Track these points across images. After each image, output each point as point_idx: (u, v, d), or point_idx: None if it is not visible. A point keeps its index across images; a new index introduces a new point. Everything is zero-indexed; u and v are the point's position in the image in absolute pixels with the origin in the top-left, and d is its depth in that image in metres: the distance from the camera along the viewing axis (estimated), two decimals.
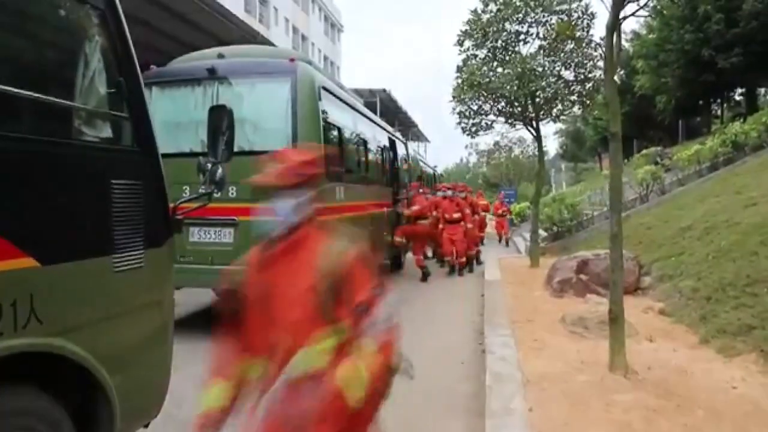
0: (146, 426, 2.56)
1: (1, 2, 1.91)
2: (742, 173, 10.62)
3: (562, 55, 10.25)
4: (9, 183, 1.81)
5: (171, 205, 2.68)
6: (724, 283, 5.68)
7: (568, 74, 10.39)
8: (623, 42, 5.28)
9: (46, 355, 1.92)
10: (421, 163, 18.00)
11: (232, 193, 5.51)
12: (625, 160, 17.25)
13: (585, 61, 10.18)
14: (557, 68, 10.38)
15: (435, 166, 24.45)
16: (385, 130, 10.78)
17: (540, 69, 10.19)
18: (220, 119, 2.90)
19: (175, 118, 5.92)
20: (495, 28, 10.30)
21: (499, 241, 17.39)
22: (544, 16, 10.22)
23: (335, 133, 6.83)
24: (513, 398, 3.68)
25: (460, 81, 10.79)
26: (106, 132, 2.33)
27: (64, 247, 2.01)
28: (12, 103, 1.88)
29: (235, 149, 2.99)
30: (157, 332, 2.54)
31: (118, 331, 2.25)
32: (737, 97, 30.07)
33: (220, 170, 2.91)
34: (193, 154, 5.25)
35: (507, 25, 10.33)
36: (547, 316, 6.15)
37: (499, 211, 18.08)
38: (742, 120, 15.19)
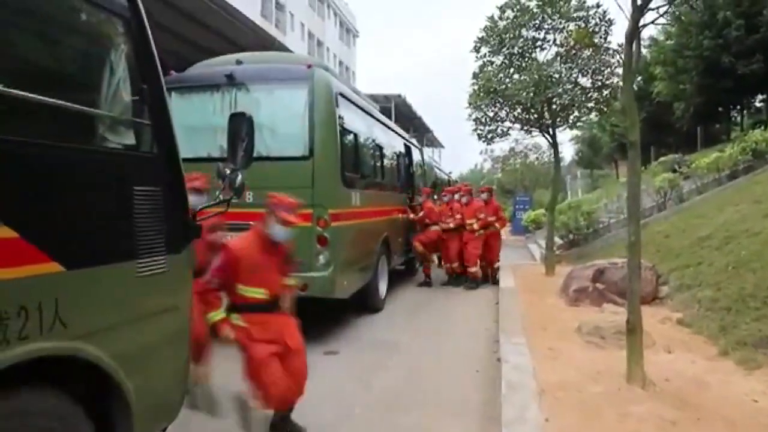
0: (164, 430, 2.59)
1: (28, 12, 1.95)
2: (762, 181, 10.46)
3: (579, 61, 10.19)
4: (35, 189, 1.84)
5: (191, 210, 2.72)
6: (744, 294, 5.60)
7: (585, 81, 10.32)
8: (641, 48, 5.24)
9: (68, 357, 1.95)
10: (436, 169, 17.99)
11: (249, 199, 5.56)
12: (643, 168, 17.05)
13: (602, 68, 10.10)
14: (574, 75, 10.31)
15: (450, 172, 24.42)
16: (400, 135, 10.80)
17: (557, 76, 10.13)
18: (240, 126, 2.94)
19: (194, 123, 6.00)
20: (512, 35, 10.27)
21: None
22: (561, 23, 10.18)
23: (351, 138, 6.86)
24: (528, 407, 3.66)
25: (476, 87, 10.78)
26: (130, 139, 2.36)
27: (88, 253, 2.04)
28: (37, 110, 1.92)
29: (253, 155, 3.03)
30: (175, 337, 2.57)
31: (138, 335, 2.28)
32: (758, 104, 29.62)
33: (239, 177, 2.95)
34: (211, 159, 5.31)
35: (524, 32, 10.30)
36: (563, 325, 6.10)
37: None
38: (762, 127, 14.97)
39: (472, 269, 9.71)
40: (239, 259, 3.37)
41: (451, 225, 9.71)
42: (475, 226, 9.56)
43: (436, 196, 11.58)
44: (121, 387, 2.13)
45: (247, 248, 3.44)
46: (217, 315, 3.39)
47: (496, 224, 9.90)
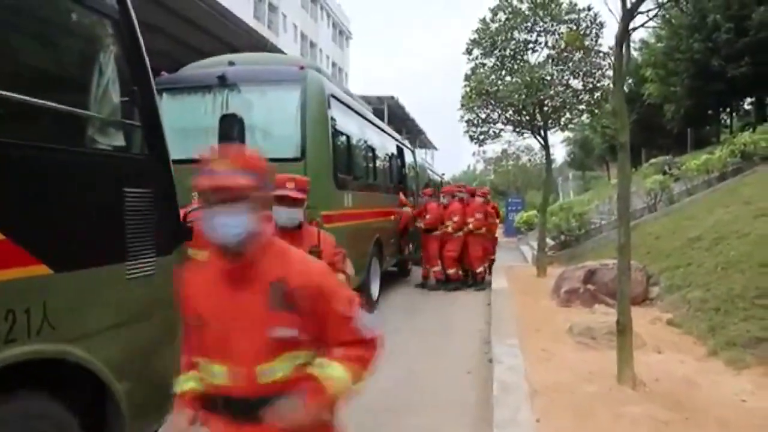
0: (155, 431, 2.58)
1: (16, 13, 1.94)
2: (751, 183, 10.55)
3: (570, 64, 10.24)
4: (23, 191, 1.83)
5: (181, 212, 2.71)
6: (733, 295, 5.64)
7: (577, 83, 10.38)
8: (632, 51, 5.28)
9: (58, 360, 1.94)
10: (429, 171, 18.02)
11: None
12: (633, 169, 17.13)
13: (593, 70, 10.16)
14: (566, 77, 10.37)
15: (443, 174, 24.47)
16: (392, 137, 10.82)
17: (548, 78, 10.17)
18: (231, 128, 2.94)
19: (185, 124, 5.97)
20: (503, 37, 10.31)
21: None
22: (552, 25, 10.23)
23: (343, 140, 6.86)
24: (520, 409, 3.67)
25: (468, 89, 10.81)
26: (120, 140, 2.36)
27: (77, 255, 2.03)
28: (25, 112, 1.91)
29: None
30: (165, 338, 2.56)
31: (128, 337, 2.27)
32: (746, 107, 29.90)
33: None
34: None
35: (515, 34, 10.35)
36: (555, 326, 6.12)
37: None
38: (751, 130, 15.10)
39: (450, 271, 9.67)
40: (186, 301, 1.67)
41: (422, 225, 9.71)
42: (449, 229, 9.53)
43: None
44: (111, 389, 2.12)
45: (200, 279, 1.66)
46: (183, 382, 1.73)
47: (470, 226, 9.58)
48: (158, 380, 2.52)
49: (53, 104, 1.99)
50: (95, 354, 2.04)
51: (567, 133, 38.29)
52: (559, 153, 52.96)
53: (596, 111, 10.82)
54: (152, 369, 2.45)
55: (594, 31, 10.06)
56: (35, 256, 1.84)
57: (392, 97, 20.72)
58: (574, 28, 10.06)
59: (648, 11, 4.28)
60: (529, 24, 10.20)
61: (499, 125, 11.14)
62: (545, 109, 10.47)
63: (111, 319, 2.18)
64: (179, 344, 2.68)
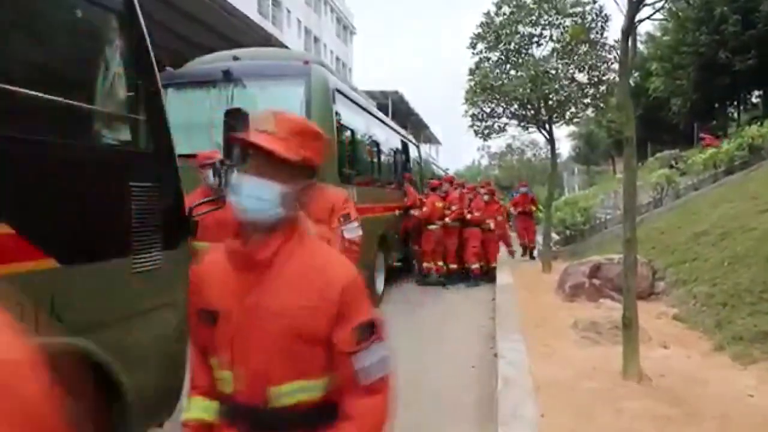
0: (160, 425, 2.59)
1: (20, 7, 1.94)
2: (757, 178, 10.48)
3: (575, 57, 10.18)
4: (31, 185, 1.84)
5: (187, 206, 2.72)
6: (740, 290, 5.62)
7: (582, 77, 10.31)
8: (638, 44, 5.24)
9: (65, 354, 1.95)
10: (434, 166, 17.99)
11: None
12: (639, 164, 17.07)
13: (599, 64, 10.10)
14: (571, 71, 10.31)
15: (447, 169, 24.44)
16: (397, 132, 10.80)
17: (553, 72, 10.13)
18: (236, 122, 2.94)
19: (190, 119, 5.98)
20: (508, 31, 10.25)
21: (524, 253, 12.65)
22: (557, 19, 10.16)
23: (348, 135, 6.86)
24: (524, 404, 3.67)
25: (472, 84, 10.77)
26: (125, 135, 2.36)
27: (84, 249, 2.04)
28: (32, 107, 1.91)
29: None
30: (172, 332, 2.57)
31: (135, 331, 2.29)
32: (754, 100, 29.67)
33: (235, 173, 2.95)
34: None
35: (520, 28, 10.28)
36: (559, 321, 6.11)
37: (521, 208, 12.90)
38: (758, 123, 14.99)
39: (453, 265, 9.69)
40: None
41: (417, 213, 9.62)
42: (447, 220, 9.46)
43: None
44: (118, 382, 2.13)
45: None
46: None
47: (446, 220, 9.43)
48: (166, 373, 2.53)
49: (59, 99, 1.99)
50: (102, 346, 2.05)
51: (572, 128, 38.17)
52: (564, 147, 52.67)
53: (601, 105, 10.75)
54: (160, 362, 2.46)
55: (599, 24, 9.99)
56: (43, 250, 1.85)
57: (396, 92, 20.69)
58: (579, 21, 9.99)
59: (654, 3, 4.24)
60: (534, 17, 10.13)
61: (504, 119, 11.10)
62: (550, 103, 10.41)
63: (118, 313, 2.19)
64: (187, 336, 2.70)
